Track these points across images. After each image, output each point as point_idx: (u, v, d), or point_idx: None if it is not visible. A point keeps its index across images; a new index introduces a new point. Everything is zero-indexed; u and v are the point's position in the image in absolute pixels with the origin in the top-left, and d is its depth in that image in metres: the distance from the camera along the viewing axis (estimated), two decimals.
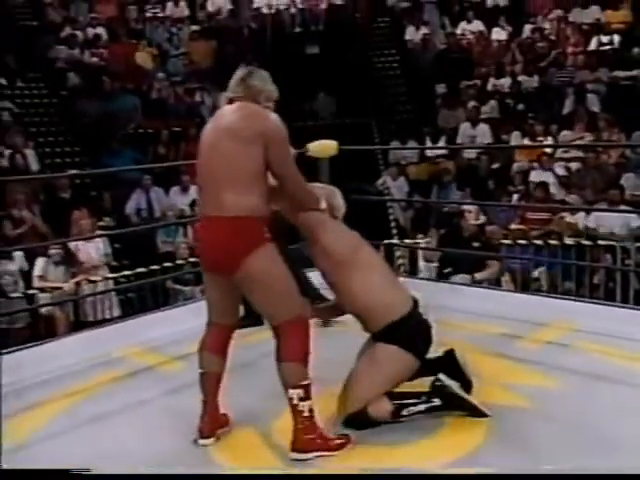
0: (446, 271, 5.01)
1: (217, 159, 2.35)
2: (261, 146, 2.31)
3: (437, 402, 2.53)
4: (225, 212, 2.30)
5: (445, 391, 2.54)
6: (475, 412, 2.56)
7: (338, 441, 2.40)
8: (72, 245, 6.04)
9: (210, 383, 2.50)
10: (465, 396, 2.56)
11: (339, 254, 2.55)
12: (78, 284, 5.76)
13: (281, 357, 2.35)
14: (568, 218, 6.51)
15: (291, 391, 2.33)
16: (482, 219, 5.91)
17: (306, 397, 2.34)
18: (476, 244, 5.04)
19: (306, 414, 2.33)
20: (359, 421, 2.51)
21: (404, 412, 2.52)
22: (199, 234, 2.47)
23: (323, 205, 2.61)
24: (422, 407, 2.53)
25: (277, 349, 2.37)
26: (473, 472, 2.19)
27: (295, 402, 2.33)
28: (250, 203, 2.30)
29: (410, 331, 2.55)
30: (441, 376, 2.57)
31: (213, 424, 2.51)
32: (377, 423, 2.52)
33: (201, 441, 2.49)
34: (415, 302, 2.62)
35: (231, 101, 2.47)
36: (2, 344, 4.39)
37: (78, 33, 10.22)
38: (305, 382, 2.34)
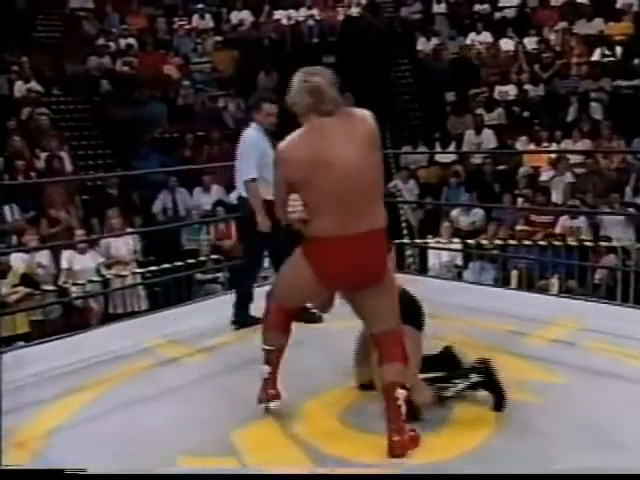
0: None
1: (365, 169, 2.21)
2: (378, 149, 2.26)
3: (475, 378, 2.46)
4: (373, 225, 2.22)
5: (487, 367, 2.46)
6: (500, 399, 2.46)
7: (415, 435, 2.31)
8: (104, 240, 6.13)
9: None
10: (500, 380, 2.47)
11: None
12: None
13: (388, 358, 2.29)
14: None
15: (399, 391, 2.25)
16: None
17: (407, 400, 2.29)
18: None
19: (403, 417, 2.26)
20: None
21: (446, 393, 2.46)
22: (343, 254, 2.21)
23: None
24: (461, 385, 2.47)
25: (381, 352, 2.32)
26: (473, 472, 2.14)
27: (399, 403, 2.24)
28: (383, 213, 2.27)
29: (412, 309, 2.56)
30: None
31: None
32: (421, 412, 2.45)
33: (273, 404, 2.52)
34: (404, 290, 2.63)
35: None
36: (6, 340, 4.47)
37: (110, 44, 10.28)
38: (406, 384, 2.30)
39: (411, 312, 2.56)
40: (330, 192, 2.16)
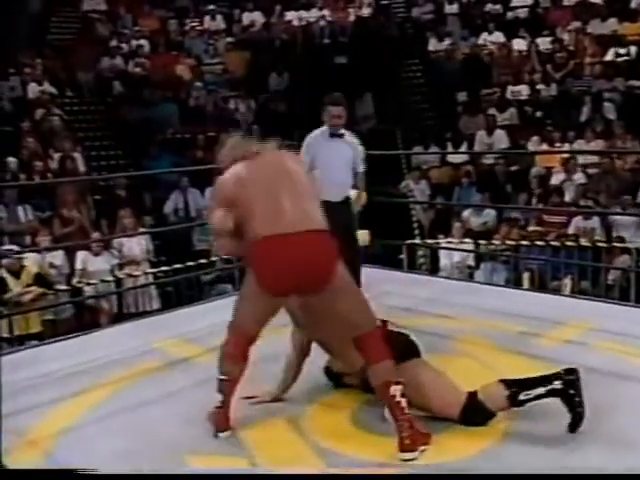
0: None
1: (292, 177, 2.40)
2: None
3: (558, 385, 2.34)
4: (318, 225, 2.34)
5: (574, 378, 2.35)
6: (576, 416, 2.33)
7: (426, 432, 2.30)
8: (117, 240, 6.17)
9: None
10: (581, 395, 2.35)
11: None
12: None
13: (375, 359, 2.30)
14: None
15: (393, 387, 2.25)
16: None
17: (403, 394, 2.27)
18: None
19: (406, 410, 2.25)
20: (476, 416, 2.38)
21: (521, 396, 2.35)
22: (287, 252, 2.27)
23: None
24: (542, 390, 2.35)
25: (366, 355, 2.32)
26: (481, 472, 2.12)
27: (398, 399, 2.24)
28: (320, 215, 2.38)
29: (403, 342, 2.54)
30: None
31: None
32: (493, 414, 2.40)
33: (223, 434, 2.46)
34: (384, 322, 2.61)
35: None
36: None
37: (123, 45, 10.34)
38: (399, 379, 2.28)
39: (404, 345, 2.54)
40: (255, 201, 2.32)
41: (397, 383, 2.26)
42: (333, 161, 3.85)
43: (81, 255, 6.04)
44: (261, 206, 2.32)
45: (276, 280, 2.31)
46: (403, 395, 2.25)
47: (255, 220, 2.31)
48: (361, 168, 4.00)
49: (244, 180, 2.39)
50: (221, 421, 2.47)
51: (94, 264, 6.04)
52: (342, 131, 3.87)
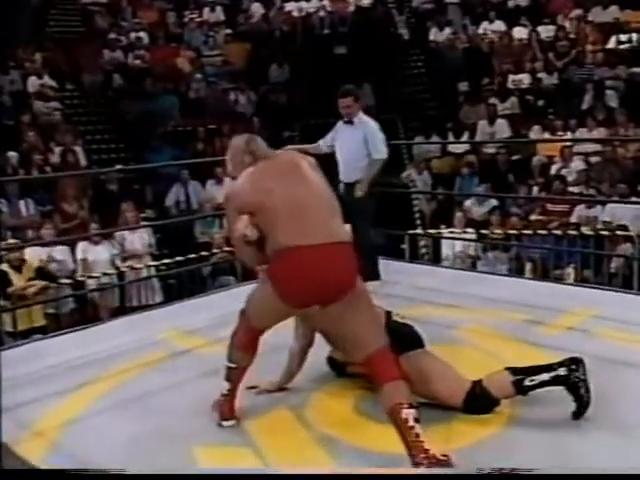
0: None
1: (314, 187, 2.36)
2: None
3: (562, 372, 2.35)
4: (342, 238, 2.32)
5: (578, 365, 2.36)
6: (580, 403, 2.35)
7: (444, 457, 2.06)
8: (119, 234, 6.16)
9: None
10: (586, 382, 2.36)
11: None
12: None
13: (385, 379, 2.18)
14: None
15: (405, 411, 2.08)
16: None
17: (417, 418, 2.09)
18: None
19: (421, 437, 2.05)
20: (480, 403, 2.40)
21: (526, 382, 2.37)
22: (311, 266, 2.23)
23: None
24: (546, 376, 2.36)
25: (377, 375, 2.21)
26: (486, 461, 2.12)
27: (411, 424, 2.06)
28: (343, 227, 2.38)
29: (407, 333, 2.55)
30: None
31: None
32: (497, 401, 2.41)
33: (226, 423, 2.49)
34: (389, 314, 2.62)
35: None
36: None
37: (122, 38, 10.30)
38: (412, 402, 2.13)
39: (408, 336, 2.55)
40: (280, 210, 2.26)
41: (410, 407, 2.10)
42: (343, 145, 4.23)
43: (81, 245, 6.05)
44: (286, 215, 2.24)
45: (299, 294, 2.27)
46: (417, 420, 2.08)
47: (279, 229, 2.25)
48: (376, 154, 4.14)
49: (266, 186, 2.30)
50: (226, 410, 2.49)
51: (94, 254, 6.04)
52: (359, 117, 4.20)
